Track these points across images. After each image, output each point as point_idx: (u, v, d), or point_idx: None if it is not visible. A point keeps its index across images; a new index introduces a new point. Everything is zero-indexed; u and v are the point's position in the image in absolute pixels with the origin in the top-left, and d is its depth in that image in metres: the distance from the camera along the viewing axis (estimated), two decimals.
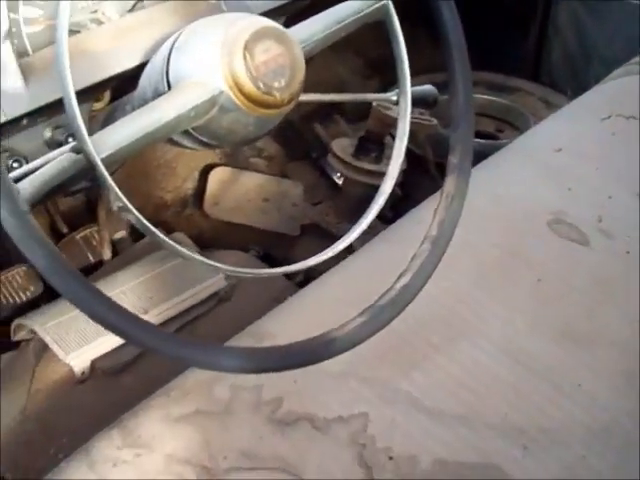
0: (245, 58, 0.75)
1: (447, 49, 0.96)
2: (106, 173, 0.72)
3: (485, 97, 2.22)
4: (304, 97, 0.88)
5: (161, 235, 0.75)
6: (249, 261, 1.55)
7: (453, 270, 1.15)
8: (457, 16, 0.96)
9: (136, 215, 0.74)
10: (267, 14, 1.06)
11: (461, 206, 0.93)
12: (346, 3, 0.89)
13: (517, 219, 1.31)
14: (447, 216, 0.91)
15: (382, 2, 0.89)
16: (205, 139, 0.84)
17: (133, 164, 1.76)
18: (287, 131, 1.95)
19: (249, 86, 0.76)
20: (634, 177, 1.45)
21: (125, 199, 0.73)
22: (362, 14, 0.88)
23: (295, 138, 1.97)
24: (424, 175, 1.79)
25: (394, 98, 0.98)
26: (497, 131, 2.16)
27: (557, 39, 2.31)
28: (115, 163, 0.78)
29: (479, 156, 1.58)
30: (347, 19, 0.87)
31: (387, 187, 0.94)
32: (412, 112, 1.61)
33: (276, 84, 0.77)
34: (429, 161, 1.79)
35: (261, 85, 0.76)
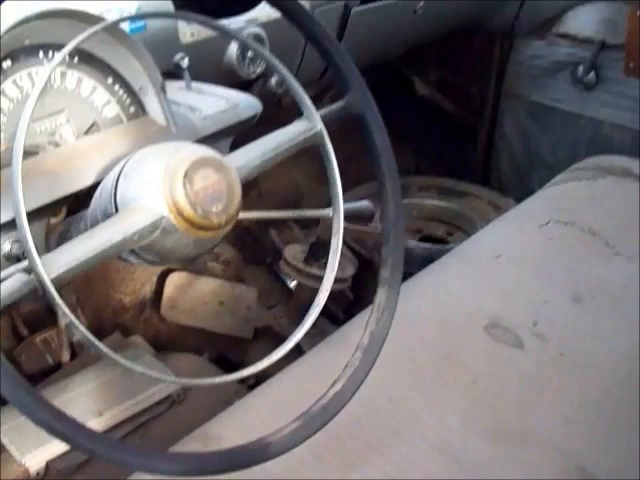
0: (185, 185, 0.82)
1: (379, 175, 1.03)
2: (55, 293, 0.78)
3: (435, 203, 2.32)
4: (244, 215, 0.95)
5: (106, 349, 0.80)
6: (203, 365, 1.61)
7: (390, 372, 1.22)
8: (388, 142, 1.04)
9: (83, 332, 0.79)
10: (215, 135, 1.14)
11: (391, 317, 0.99)
12: (282, 130, 0.97)
13: (455, 323, 1.38)
14: (378, 327, 0.98)
15: (316, 129, 0.97)
16: (150, 257, 0.91)
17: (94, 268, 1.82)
18: (244, 236, 2.03)
19: (188, 211, 0.82)
20: (570, 281, 1.53)
21: (73, 316, 0.79)
22: (297, 141, 0.96)
23: (251, 243, 2.05)
24: (373, 278, 1.86)
25: (330, 214, 1.05)
26: (447, 234, 2.26)
27: (504, 147, 2.44)
28: (66, 280, 0.84)
29: (428, 259, 1.67)
30: (283, 146, 0.95)
31: (321, 299, 0.99)
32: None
33: (214, 209, 0.84)
34: (377, 265, 1.86)
35: (199, 210, 0.83)
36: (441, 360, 1.30)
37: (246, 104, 1.21)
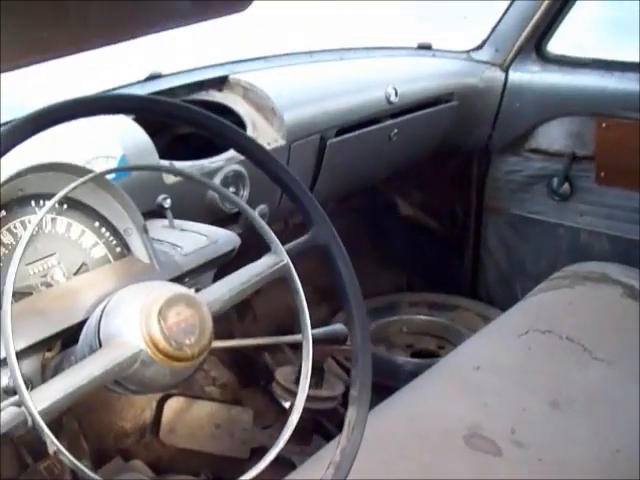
0: (159, 321, 0.91)
1: (345, 302, 1.12)
2: (43, 424, 0.85)
3: (425, 318, 2.40)
4: (219, 344, 1.03)
5: (94, 476, 0.87)
6: None
7: None
8: (352, 271, 1.12)
9: (70, 460, 0.86)
10: (197, 269, 1.23)
11: (361, 434, 1.06)
12: (251, 265, 1.06)
13: (435, 436, 1.44)
14: (349, 444, 1.04)
15: (283, 262, 1.06)
16: (133, 387, 0.98)
17: (95, 396, 1.88)
18: (239, 360, 2.10)
19: (163, 344, 0.91)
20: (548, 388, 1.60)
21: (60, 445, 0.86)
22: (265, 274, 1.05)
23: (247, 366, 2.12)
24: None
25: (300, 339, 1.12)
26: (438, 348, 2.33)
27: (489, 259, 2.53)
28: (56, 412, 0.91)
29: (417, 374, 1.73)
30: (251, 280, 1.04)
31: (294, 418, 1.06)
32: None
33: (187, 341, 0.92)
34: None
35: (173, 343, 0.91)
36: (422, 473, 1.35)
37: (225, 239, 1.29)
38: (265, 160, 1.11)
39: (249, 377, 2.11)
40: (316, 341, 1.12)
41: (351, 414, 1.08)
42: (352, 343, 1.12)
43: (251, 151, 1.11)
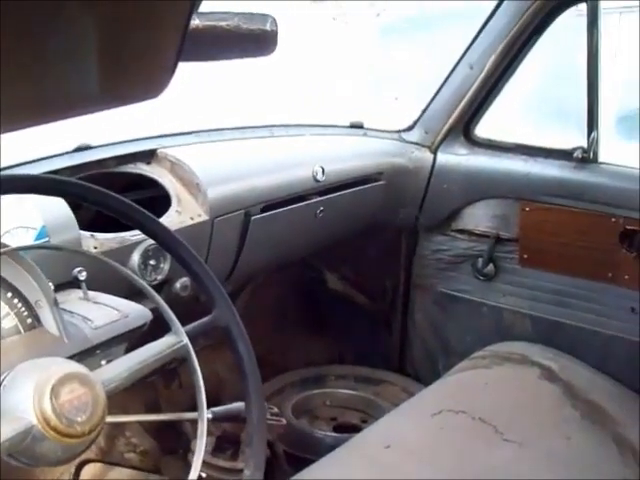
0: (52, 398, 0.93)
1: (244, 380, 1.15)
2: None
3: (349, 392, 2.42)
4: (112, 419, 1.04)
5: None
6: None
7: None
8: (251, 350, 1.15)
9: None
10: (107, 342, 1.25)
11: None
12: (151, 344, 1.08)
13: None
14: None
15: (182, 343, 1.09)
16: (25, 460, 1.00)
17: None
18: (161, 427, 2.10)
19: (55, 421, 0.93)
20: (456, 470, 1.62)
21: None
22: (164, 354, 1.08)
23: (168, 433, 2.12)
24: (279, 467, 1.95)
25: (196, 417, 1.14)
26: (362, 422, 2.35)
27: (416, 335, 2.57)
28: None
29: (335, 448, 1.75)
30: (150, 359, 1.06)
31: None
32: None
33: (78, 419, 0.94)
34: (280, 456, 1.96)
35: (64, 420, 0.93)
36: None
37: (136, 314, 1.32)
38: (167, 240, 1.14)
39: (171, 444, 2.11)
40: (215, 419, 1.14)
41: None
42: (247, 423, 1.15)
43: (153, 231, 1.15)
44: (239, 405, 1.24)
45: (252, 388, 1.14)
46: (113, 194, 1.11)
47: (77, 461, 1.98)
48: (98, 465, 1.96)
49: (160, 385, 2.28)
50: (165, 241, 1.14)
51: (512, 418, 1.83)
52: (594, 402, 1.99)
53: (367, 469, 1.60)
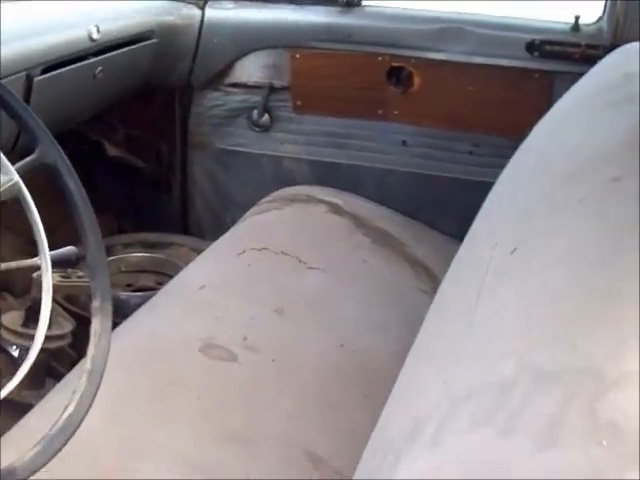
0: None
1: (76, 216, 1.12)
2: None
3: (141, 255, 2.42)
4: None
5: None
6: None
7: (119, 402, 1.31)
8: (80, 185, 1.13)
9: None
10: None
11: (108, 341, 1.08)
12: None
13: (173, 351, 1.49)
14: (97, 351, 1.06)
15: (13, 181, 1.05)
16: None
17: None
18: None
19: None
20: (271, 297, 1.69)
21: None
22: None
23: None
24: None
25: (38, 262, 1.11)
26: (157, 284, 2.34)
27: (197, 194, 2.59)
28: None
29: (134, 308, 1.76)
30: None
31: (32, 354, 1.05)
32: (69, 275, 1.74)
33: None
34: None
35: None
36: (165, 385, 1.40)
37: None
38: None
39: None
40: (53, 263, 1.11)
41: (96, 324, 1.09)
42: (87, 257, 1.13)
43: None
44: (71, 248, 1.21)
45: (85, 220, 1.12)
46: None
47: None
48: None
49: None
50: None
51: (312, 249, 1.92)
52: (381, 229, 2.13)
53: (189, 308, 1.63)
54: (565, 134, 1.37)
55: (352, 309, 1.72)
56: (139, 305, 1.89)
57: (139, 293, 2.20)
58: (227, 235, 2.02)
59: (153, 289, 2.30)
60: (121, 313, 1.97)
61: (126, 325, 1.58)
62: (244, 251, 1.85)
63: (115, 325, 1.62)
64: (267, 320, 1.62)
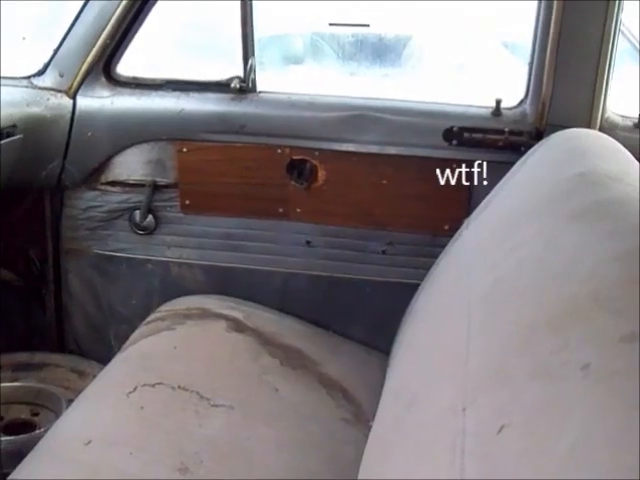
0: None
1: None
2: None
3: (11, 384, 2.07)
4: None
5: None
6: None
7: None
8: None
9: None
10: None
11: None
12: None
13: None
14: None
15: None
16: None
17: None
18: None
19: None
20: (171, 451, 1.41)
21: None
22: None
23: None
24: None
25: None
26: (33, 415, 2.02)
27: (75, 306, 2.28)
28: None
29: (17, 453, 1.45)
30: None
31: None
32: None
33: None
34: None
35: None
36: None
37: None
38: None
39: None
40: None
41: None
42: None
43: None
44: None
45: None
46: None
47: None
48: None
49: None
50: None
51: (214, 379, 1.66)
52: (288, 346, 1.88)
53: (73, 470, 1.32)
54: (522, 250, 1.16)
55: (267, 457, 1.45)
56: (14, 452, 1.58)
57: (11, 438, 1.85)
58: (114, 364, 1.72)
59: (28, 422, 1.98)
60: None
61: None
62: (135, 388, 1.56)
63: None
64: None
